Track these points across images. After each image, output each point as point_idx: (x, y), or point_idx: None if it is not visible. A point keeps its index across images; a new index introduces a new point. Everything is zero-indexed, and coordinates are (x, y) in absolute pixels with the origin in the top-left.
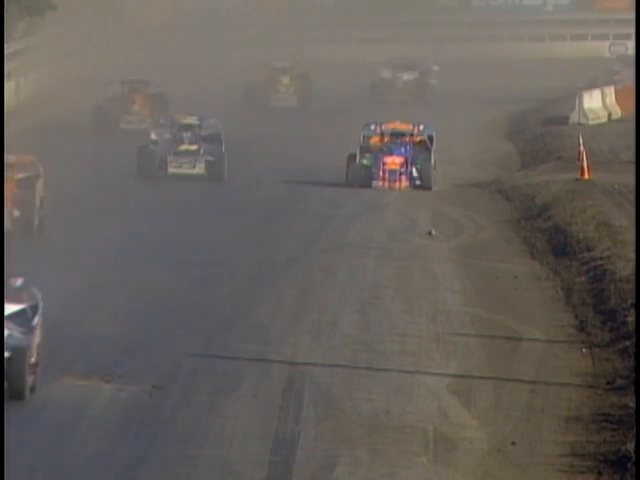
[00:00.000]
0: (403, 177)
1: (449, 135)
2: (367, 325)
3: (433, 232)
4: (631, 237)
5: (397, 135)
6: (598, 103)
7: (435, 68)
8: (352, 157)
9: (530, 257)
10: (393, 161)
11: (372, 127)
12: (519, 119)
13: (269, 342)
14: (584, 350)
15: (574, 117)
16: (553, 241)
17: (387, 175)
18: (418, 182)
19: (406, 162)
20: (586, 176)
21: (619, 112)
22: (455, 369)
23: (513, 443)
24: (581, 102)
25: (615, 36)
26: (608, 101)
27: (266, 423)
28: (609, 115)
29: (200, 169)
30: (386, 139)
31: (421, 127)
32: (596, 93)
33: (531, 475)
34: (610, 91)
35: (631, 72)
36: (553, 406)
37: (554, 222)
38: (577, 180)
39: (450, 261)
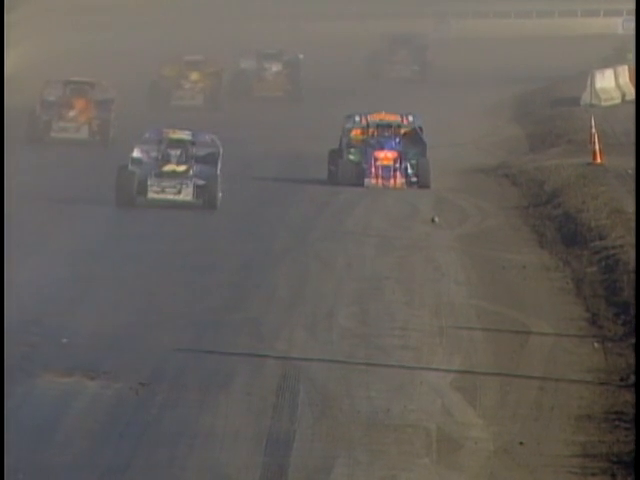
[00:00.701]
0: (398, 174)
1: (452, 117)
2: (366, 318)
3: (436, 219)
4: None
5: (384, 127)
6: (611, 83)
7: (301, 57)
8: (335, 153)
9: (539, 246)
10: (385, 156)
11: (356, 118)
12: (527, 100)
13: (262, 336)
14: (596, 344)
15: (585, 98)
16: (563, 229)
17: (380, 172)
18: (414, 179)
19: (399, 157)
20: (598, 160)
21: (633, 92)
22: (459, 365)
23: (521, 443)
24: (593, 82)
25: (629, 12)
26: (622, 81)
27: (259, 422)
28: (623, 96)
29: (187, 195)
30: (371, 131)
31: (410, 118)
32: (609, 72)
33: (540, 477)
34: (624, 70)
35: None
36: (563, 404)
37: (564, 209)
38: (588, 165)
39: (454, 250)
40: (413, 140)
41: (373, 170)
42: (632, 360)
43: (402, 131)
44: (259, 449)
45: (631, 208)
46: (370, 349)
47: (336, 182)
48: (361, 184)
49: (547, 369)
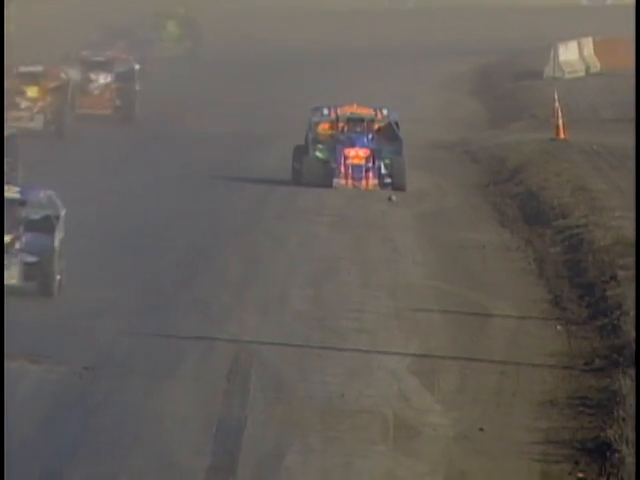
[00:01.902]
0: (370, 174)
1: (409, 91)
2: (320, 300)
3: (393, 198)
4: (610, 203)
5: (355, 121)
6: (575, 55)
7: (137, 67)
8: (301, 150)
9: (500, 225)
10: (357, 154)
11: (324, 111)
12: (487, 73)
13: (212, 319)
14: (559, 327)
15: (548, 71)
16: (525, 208)
17: (350, 171)
18: (388, 180)
19: (372, 155)
20: (561, 136)
21: (598, 65)
22: (417, 348)
23: (481, 429)
24: (556, 54)
25: None
26: (586, 53)
27: (209, 408)
28: (587, 68)
29: (12, 277)
30: (341, 126)
31: (384, 112)
32: (572, 44)
33: (501, 464)
34: (588, 42)
35: None
36: (525, 389)
37: (526, 187)
38: (552, 140)
39: (412, 230)
40: (388, 136)
41: (343, 169)
42: (597, 344)
43: (375, 126)
44: (209, 436)
45: (596, 185)
46: (324, 332)
47: (301, 182)
48: (329, 185)
49: (508, 353)
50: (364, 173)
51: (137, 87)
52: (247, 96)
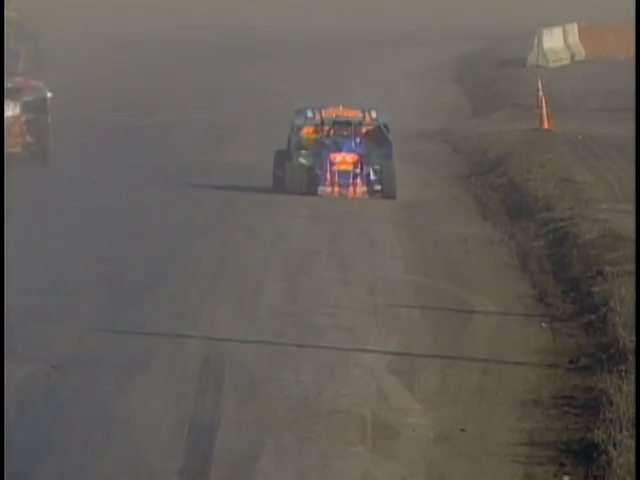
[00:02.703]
0: (358, 181)
1: (389, 79)
2: (296, 295)
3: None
4: (596, 195)
5: (342, 124)
6: (560, 42)
7: (49, 95)
8: (283, 155)
9: (482, 218)
10: (343, 159)
11: (308, 114)
12: (469, 61)
13: (183, 315)
14: (543, 324)
15: (532, 58)
16: (508, 200)
17: (337, 178)
18: (377, 187)
19: (360, 161)
20: (545, 125)
21: (583, 53)
22: (396, 346)
23: (462, 430)
24: (540, 41)
25: None
26: (571, 40)
27: (181, 407)
28: (572, 56)
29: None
30: (327, 130)
31: (373, 113)
32: (557, 31)
33: (483, 467)
34: (573, 29)
35: None
36: (508, 388)
37: (509, 178)
38: (535, 130)
39: (391, 223)
40: (377, 140)
41: (328, 176)
42: (582, 341)
43: (364, 129)
44: (181, 436)
45: (581, 177)
46: (300, 329)
47: (283, 190)
48: (314, 193)
49: (491, 350)
50: (351, 180)
51: (49, 119)
52: (208, 86)
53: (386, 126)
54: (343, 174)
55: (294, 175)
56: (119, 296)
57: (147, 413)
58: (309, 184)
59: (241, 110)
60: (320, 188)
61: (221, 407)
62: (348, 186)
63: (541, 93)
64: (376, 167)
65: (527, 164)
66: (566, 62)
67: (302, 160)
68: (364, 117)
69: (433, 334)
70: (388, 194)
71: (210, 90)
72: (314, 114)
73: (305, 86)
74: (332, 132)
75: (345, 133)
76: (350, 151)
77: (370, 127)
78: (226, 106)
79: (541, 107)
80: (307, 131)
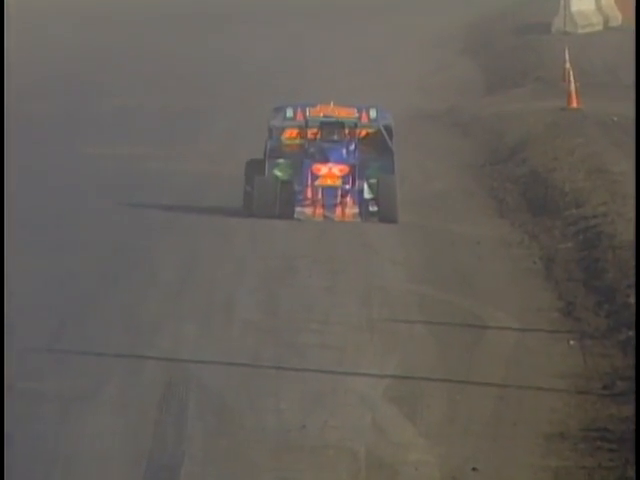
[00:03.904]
0: (348, 199)
1: (389, 48)
2: (275, 308)
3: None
4: (634, 188)
5: (332, 126)
6: (591, 4)
7: None
8: (255, 166)
9: (498, 215)
10: (330, 172)
11: (288, 113)
12: (482, 27)
13: (140, 331)
14: (572, 342)
15: (558, 23)
16: (529, 193)
17: (320, 196)
18: (373, 208)
19: (352, 173)
20: (574, 104)
21: (619, 17)
22: (395, 368)
23: (474, 469)
24: (567, 3)
25: None
26: (604, 2)
27: (137, 442)
28: (605, 21)
29: None
30: (313, 133)
31: (372, 113)
32: None
33: None
34: None
35: None
36: (529, 419)
37: (530, 167)
38: (562, 110)
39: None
40: (375, 147)
41: (309, 194)
42: (618, 362)
43: (360, 133)
44: (137, 476)
45: (617, 166)
46: (280, 348)
47: (251, 211)
48: (289, 215)
49: (508, 373)
50: (339, 198)
51: None
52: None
53: (389, 128)
54: (328, 191)
55: (265, 192)
56: (63, 308)
57: (96, 449)
58: (284, 204)
59: (213, 91)
60: (297, 209)
61: (185, 442)
62: (335, 206)
63: (568, 65)
64: (372, 181)
65: (552, 151)
66: (598, 28)
67: (277, 172)
68: (360, 117)
69: (439, 354)
70: (386, 217)
71: (175, 65)
72: (296, 113)
73: (288, 60)
74: (320, 136)
75: (335, 138)
76: (339, 161)
77: (369, 130)
78: (195, 86)
79: (569, 82)
80: (289, 135)
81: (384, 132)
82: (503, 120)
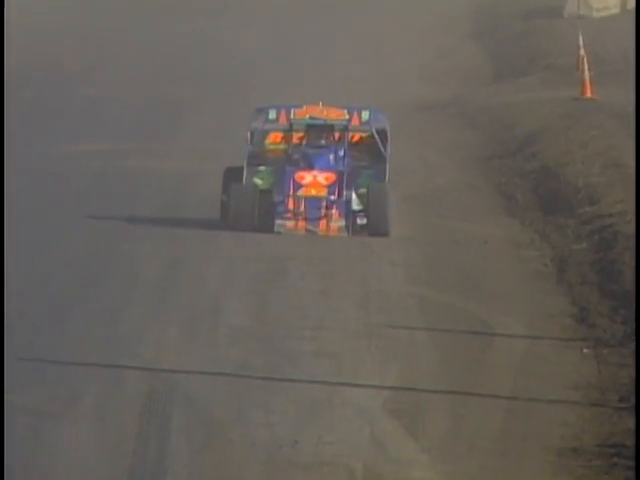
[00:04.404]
0: (334, 211)
1: (388, 34)
2: (265, 313)
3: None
4: None
5: (320, 130)
6: None
7: None
8: (233, 174)
9: (506, 213)
10: (314, 181)
11: (271, 114)
12: (489, 9)
13: (120, 338)
14: (585, 350)
15: (571, 6)
16: (540, 189)
17: (303, 208)
18: (362, 221)
19: (338, 182)
20: (588, 94)
21: None
22: (395, 378)
23: None
24: None
25: None
26: None
27: (117, 458)
28: (623, 3)
29: None
30: (299, 137)
31: (364, 115)
32: None
33: None
34: None
35: None
36: (540, 433)
37: (541, 161)
38: (575, 100)
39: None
40: (367, 153)
41: (291, 204)
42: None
43: (351, 137)
44: None
45: (634, 160)
46: (271, 356)
47: (228, 224)
48: (269, 229)
49: (517, 384)
50: (324, 210)
51: None
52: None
53: (383, 132)
54: (312, 202)
55: (241, 202)
56: (36, 314)
57: (72, 466)
58: (263, 215)
59: (198, 84)
60: (277, 222)
61: (168, 458)
62: (318, 219)
63: (583, 52)
64: (362, 191)
65: (565, 144)
66: (615, 11)
67: (257, 180)
68: (351, 119)
69: (443, 363)
70: (376, 230)
71: (157, 54)
72: (279, 115)
73: (281, 48)
74: (305, 140)
75: (323, 142)
76: (325, 168)
77: (361, 134)
78: (179, 75)
79: (582, 70)
80: (273, 139)
81: (377, 137)
82: (512, 111)
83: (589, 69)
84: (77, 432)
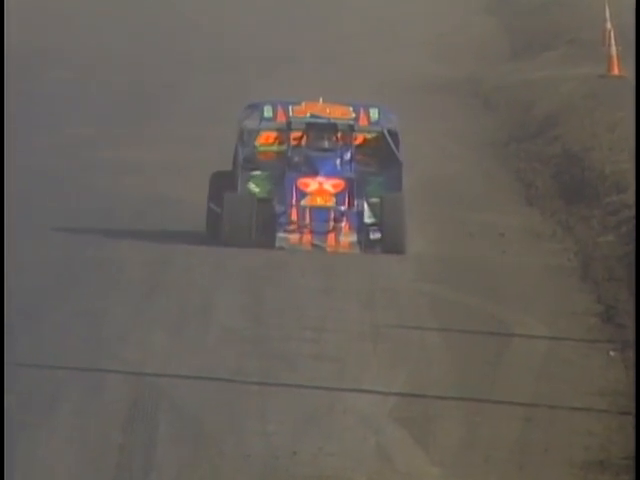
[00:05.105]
0: (344, 224)
1: (397, 7)
2: (261, 312)
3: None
4: None
5: (322, 130)
6: None
7: None
8: (224, 180)
9: (525, 203)
10: (320, 188)
11: (266, 112)
12: None
13: (103, 339)
14: (612, 353)
15: None
16: (562, 177)
17: (308, 219)
18: (375, 235)
19: (349, 190)
20: (615, 71)
21: None
22: (403, 384)
23: None
24: None
25: None
26: None
27: (99, 471)
28: None
29: None
30: (297, 137)
31: (373, 113)
32: None
33: None
34: None
35: None
36: (562, 444)
37: (564, 146)
38: (601, 77)
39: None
40: (378, 157)
41: (294, 215)
42: None
43: (359, 138)
44: None
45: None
46: (267, 360)
47: (218, 239)
48: (269, 243)
49: (538, 390)
50: (331, 222)
51: None
52: None
53: (394, 134)
54: (319, 212)
55: (237, 213)
56: (10, 315)
57: (53, 477)
58: (262, 228)
59: (189, 67)
60: (279, 235)
61: (154, 472)
62: (326, 233)
63: (609, 25)
64: (374, 200)
65: (590, 126)
66: None
67: (253, 187)
68: (358, 118)
69: (456, 367)
70: (392, 246)
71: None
72: (275, 112)
73: (283, 20)
74: (305, 142)
75: (326, 144)
76: (332, 174)
77: (369, 134)
78: (170, 61)
79: (609, 45)
80: (265, 139)
81: (388, 137)
82: (531, 90)
83: (616, 44)
84: (54, 443)
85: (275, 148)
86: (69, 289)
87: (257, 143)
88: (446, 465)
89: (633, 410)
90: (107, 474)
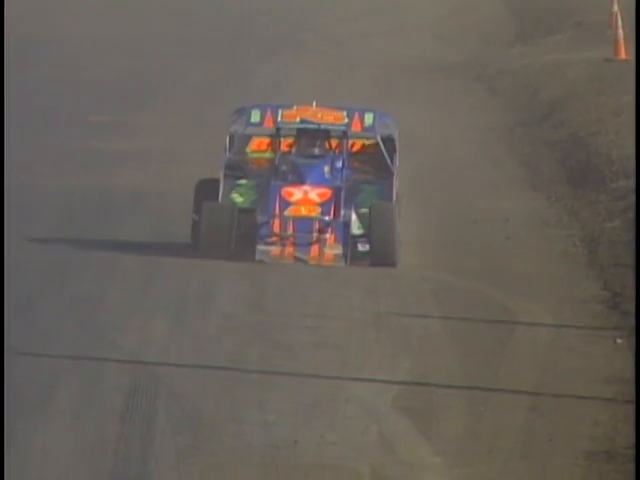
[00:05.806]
0: (328, 235)
1: None
2: (261, 299)
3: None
4: None
5: (313, 136)
6: None
7: None
8: (209, 189)
9: (530, 188)
10: (305, 198)
11: (254, 117)
12: None
13: (100, 327)
14: (619, 341)
15: None
16: (568, 161)
17: (291, 231)
18: (364, 248)
19: (335, 199)
20: (622, 55)
21: None
22: (406, 373)
23: None
24: None
25: None
26: None
27: (96, 460)
28: None
29: None
30: (288, 144)
31: (368, 118)
32: None
33: None
34: None
35: None
36: (567, 433)
37: (570, 130)
38: (608, 61)
39: (400, 195)
40: (370, 165)
41: (276, 226)
42: None
43: (356, 144)
44: None
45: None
46: (267, 348)
47: (199, 249)
48: (249, 255)
49: (542, 379)
50: (315, 234)
51: None
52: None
53: (390, 141)
54: (302, 223)
55: (215, 222)
56: (6, 302)
57: (48, 468)
58: (242, 239)
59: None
60: (260, 248)
61: (153, 461)
62: (309, 245)
63: (616, 8)
64: (363, 211)
65: (596, 110)
66: None
67: (236, 197)
68: (352, 124)
69: (460, 356)
70: (381, 258)
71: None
72: (264, 117)
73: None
74: (296, 148)
75: (317, 151)
76: (318, 183)
77: (364, 141)
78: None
79: (616, 28)
80: (256, 145)
81: (382, 145)
82: (537, 73)
83: (623, 27)
84: (51, 433)
85: (267, 155)
86: (66, 276)
87: (249, 149)
88: (449, 454)
89: (634, 399)
90: (105, 463)
